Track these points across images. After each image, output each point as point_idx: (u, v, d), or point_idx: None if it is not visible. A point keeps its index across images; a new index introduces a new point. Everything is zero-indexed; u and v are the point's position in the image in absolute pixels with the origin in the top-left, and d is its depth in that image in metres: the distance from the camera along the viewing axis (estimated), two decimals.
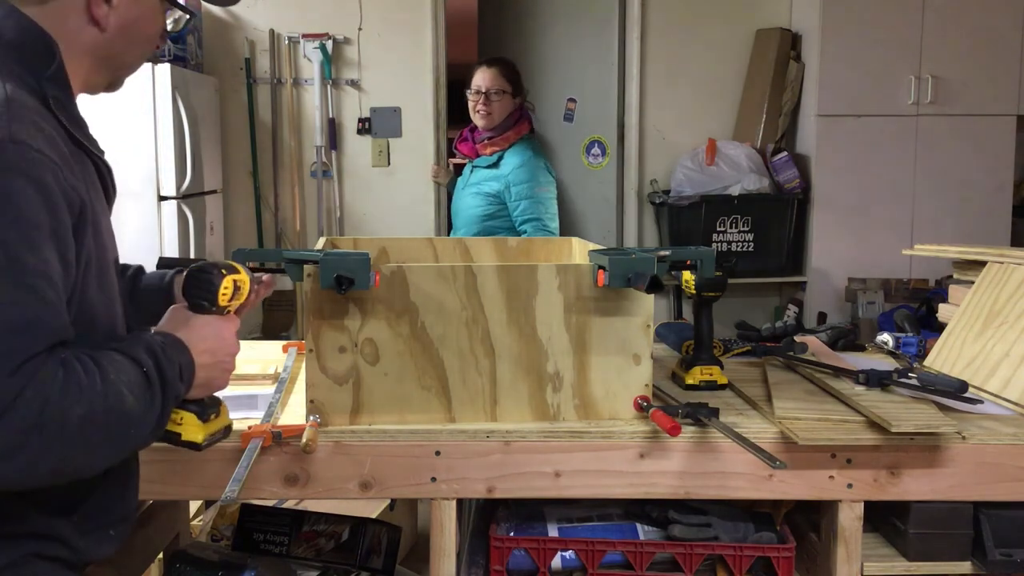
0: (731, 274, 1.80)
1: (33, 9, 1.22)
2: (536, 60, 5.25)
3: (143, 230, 3.85)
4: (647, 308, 1.62)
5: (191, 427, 1.26)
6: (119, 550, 1.61)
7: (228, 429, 1.32)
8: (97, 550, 1.29)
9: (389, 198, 4.85)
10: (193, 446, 1.27)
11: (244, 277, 1.31)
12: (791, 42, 4.74)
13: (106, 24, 1.25)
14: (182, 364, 1.21)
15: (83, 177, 1.18)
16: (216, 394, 1.32)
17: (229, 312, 1.31)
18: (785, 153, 4.61)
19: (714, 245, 4.53)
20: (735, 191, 4.53)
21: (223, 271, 1.28)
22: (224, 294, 1.28)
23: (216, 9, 4.58)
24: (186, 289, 1.29)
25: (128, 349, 1.16)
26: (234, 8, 4.69)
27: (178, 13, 1.36)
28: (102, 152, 1.27)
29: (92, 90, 1.31)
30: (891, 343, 2.22)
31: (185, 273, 1.30)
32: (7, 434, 1.01)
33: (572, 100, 5.17)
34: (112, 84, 1.35)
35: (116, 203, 1.34)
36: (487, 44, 5.42)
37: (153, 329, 1.27)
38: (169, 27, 1.37)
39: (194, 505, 2.59)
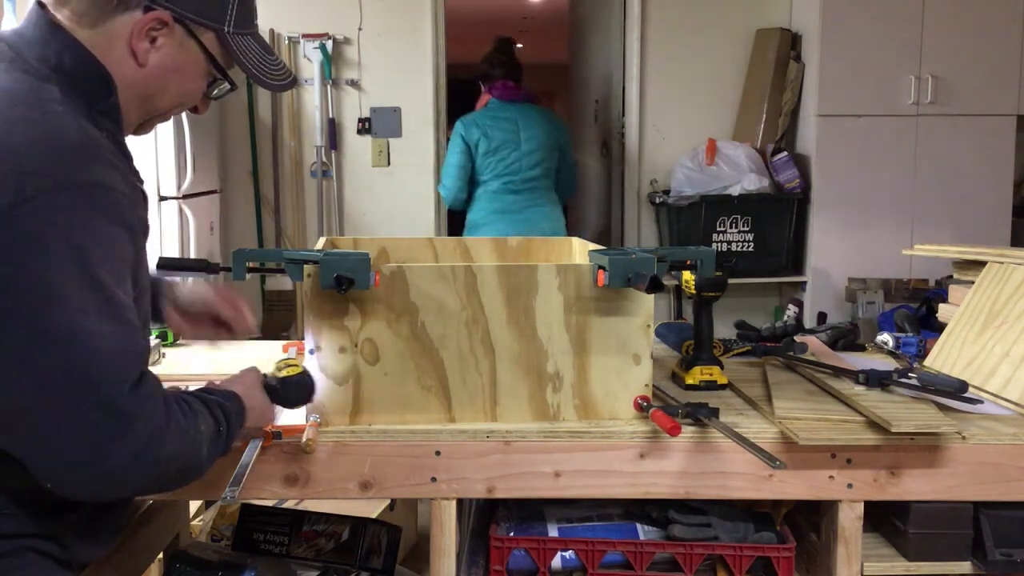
0: (731, 274, 1.80)
1: (85, 32, 1.24)
2: (584, 62, 5.31)
3: None
4: (647, 308, 1.62)
5: None
6: (116, 550, 1.62)
7: None
8: (90, 552, 1.34)
9: (389, 198, 4.85)
10: None
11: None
12: (791, 42, 4.74)
13: (144, 60, 1.27)
14: (236, 432, 1.36)
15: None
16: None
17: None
18: (785, 153, 4.61)
19: (714, 245, 4.53)
20: (735, 191, 4.53)
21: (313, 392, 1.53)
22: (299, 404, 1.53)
23: None
24: (287, 380, 1.48)
25: (213, 407, 1.30)
26: None
27: (223, 82, 1.38)
28: (142, 182, 1.32)
29: (124, 129, 1.32)
30: (891, 343, 2.22)
31: (298, 370, 1.50)
32: (119, 461, 1.14)
33: (597, 101, 5.21)
34: (142, 127, 1.37)
35: None
36: (574, 44, 5.51)
37: (226, 382, 1.43)
38: (214, 94, 1.39)
39: (194, 505, 2.59)
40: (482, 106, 4.11)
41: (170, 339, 2.21)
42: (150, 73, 1.28)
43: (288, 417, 1.66)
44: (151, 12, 1.25)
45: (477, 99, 4.15)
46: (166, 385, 1.29)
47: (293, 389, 1.48)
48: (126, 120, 1.31)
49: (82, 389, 1.11)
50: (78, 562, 1.32)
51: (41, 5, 1.26)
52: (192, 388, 1.37)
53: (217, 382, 1.44)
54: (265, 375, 1.49)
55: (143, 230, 1.24)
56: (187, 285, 1.64)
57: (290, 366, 1.51)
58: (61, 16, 1.25)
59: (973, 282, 2.06)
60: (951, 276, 2.27)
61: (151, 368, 1.97)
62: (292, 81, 1.43)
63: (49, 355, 1.09)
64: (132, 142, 1.35)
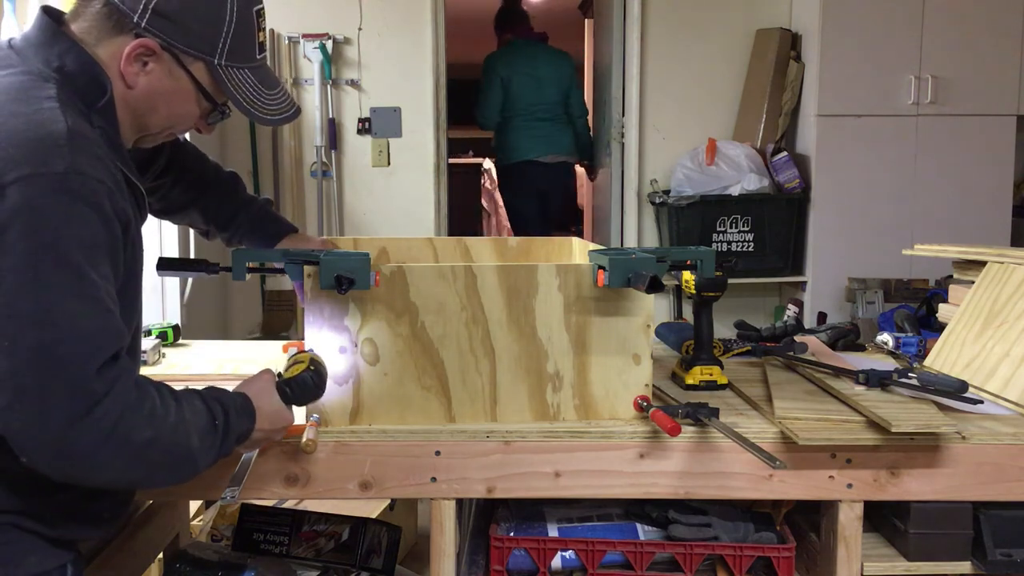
0: (731, 274, 1.80)
1: (90, 48, 1.30)
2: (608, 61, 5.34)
3: (143, 230, 3.84)
4: (647, 308, 1.62)
5: None
6: (118, 550, 1.62)
7: None
8: (83, 531, 1.35)
9: (389, 198, 4.85)
10: None
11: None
12: (791, 42, 4.73)
13: (133, 83, 1.32)
14: (242, 433, 1.35)
15: (130, 199, 1.30)
16: None
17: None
18: (785, 153, 4.61)
19: (714, 245, 4.53)
20: (735, 191, 4.53)
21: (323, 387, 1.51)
22: (310, 400, 1.51)
23: None
24: (293, 381, 1.47)
25: (209, 399, 1.30)
26: None
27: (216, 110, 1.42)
28: (140, 179, 1.36)
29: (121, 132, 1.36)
30: (891, 343, 2.22)
31: (304, 365, 1.49)
32: (87, 439, 1.15)
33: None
34: (137, 142, 1.41)
35: None
36: (598, 46, 5.68)
37: (239, 385, 1.42)
38: (208, 121, 1.43)
39: (194, 505, 2.59)
40: (504, 44, 5.40)
41: (170, 339, 2.21)
42: (139, 95, 1.33)
43: None
44: (140, 39, 1.30)
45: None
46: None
47: (299, 389, 1.47)
48: (122, 134, 1.35)
49: (50, 367, 1.14)
50: (70, 542, 1.33)
51: (46, 11, 1.31)
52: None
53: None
54: (279, 375, 1.48)
55: (123, 220, 1.25)
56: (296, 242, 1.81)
57: (298, 363, 1.50)
58: (75, 28, 1.31)
59: (973, 282, 2.06)
60: (951, 276, 2.27)
61: (152, 367, 1.99)
62: (292, 115, 1.45)
63: (22, 333, 1.13)
64: None
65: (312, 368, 1.49)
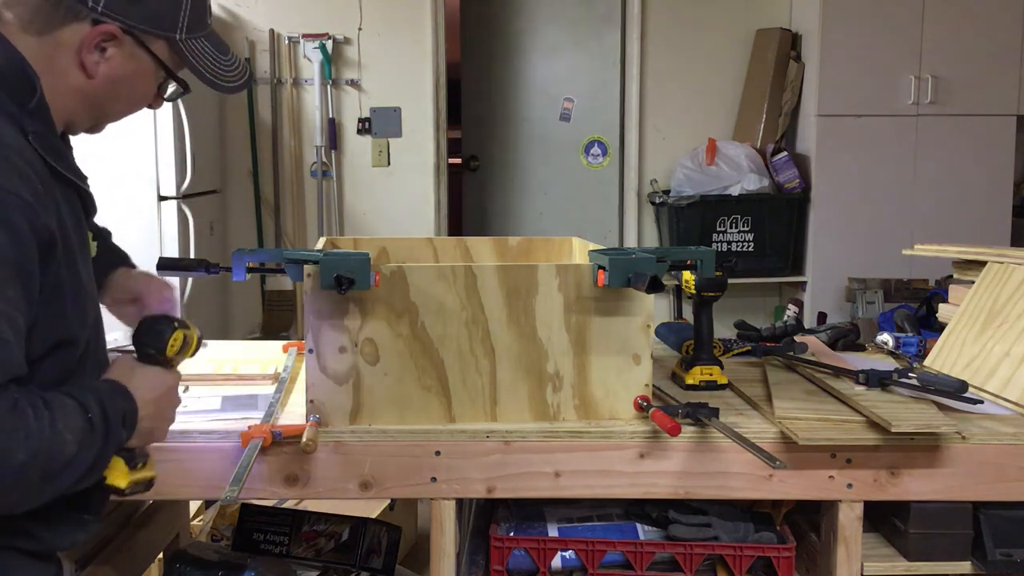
0: (731, 274, 1.80)
1: (29, 39, 1.21)
2: (527, 59, 5.27)
3: (143, 230, 3.84)
4: (647, 308, 1.62)
5: (117, 473, 1.25)
6: (117, 550, 1.61)
7: (151, 482, 1.30)
8: (71, 538, 1.29)
9: (389, 198, 4.85)
10: (116, 491, 1.27)
11: (193, 332, 1.36)
12: (791, 42, 4.74)
13: (94, 72, 1.24)
14: (126, 411, 1.22)
15: (57, 210, 1.18)
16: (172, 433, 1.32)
17: (174, 365, 1.34)
18: (785, 153, 4.61)
19: (714, 245, 4.53)
20: (735, 191, 4.53)
21: (175, 324, 1.33)
22: (172, 346, 1.32)
23: (216, 9, 4.57)
24: (136, 336, 1.32)
25: (78, 394, 1.17)
26: (234, 8, 4.69)
27: (173, 83, 1.35)
28: (84, 179, 1.27)
29: (72, 129, 1.30)
30: (891, 343, 2.22)
31: (139, 322, 1.34)
32: None
33: (569, 100, 5.18)
34: (93, 128, 1.34)
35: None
36: (469, 44, 5.38)
37: (101, 376, 1.28)
38: (167, 95, 1.36)
39: (194, 505, 2.59)
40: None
41: None
42: (99, 84, 1.25)
43: (288, 418, 1.66)
44: (100, 25, 1.22)
45: None
46: None
47: (148, 333, 1.33)
48: (76, 122, 1.29)
49: None
50: (54, 550, 1.28)
51: None
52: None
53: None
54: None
55: (44, 239, 1.14)
56: (125, 278, 1.57)
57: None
58: (6, 20, 1.21)
59: (973, 282, 2.06)
60: (951, 276, 2.27)
61: None
62: (247, 80, 1.40)
63: None
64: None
65: (148, 317, 1.38)
